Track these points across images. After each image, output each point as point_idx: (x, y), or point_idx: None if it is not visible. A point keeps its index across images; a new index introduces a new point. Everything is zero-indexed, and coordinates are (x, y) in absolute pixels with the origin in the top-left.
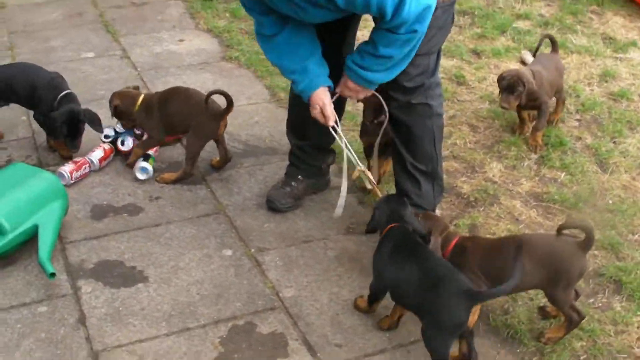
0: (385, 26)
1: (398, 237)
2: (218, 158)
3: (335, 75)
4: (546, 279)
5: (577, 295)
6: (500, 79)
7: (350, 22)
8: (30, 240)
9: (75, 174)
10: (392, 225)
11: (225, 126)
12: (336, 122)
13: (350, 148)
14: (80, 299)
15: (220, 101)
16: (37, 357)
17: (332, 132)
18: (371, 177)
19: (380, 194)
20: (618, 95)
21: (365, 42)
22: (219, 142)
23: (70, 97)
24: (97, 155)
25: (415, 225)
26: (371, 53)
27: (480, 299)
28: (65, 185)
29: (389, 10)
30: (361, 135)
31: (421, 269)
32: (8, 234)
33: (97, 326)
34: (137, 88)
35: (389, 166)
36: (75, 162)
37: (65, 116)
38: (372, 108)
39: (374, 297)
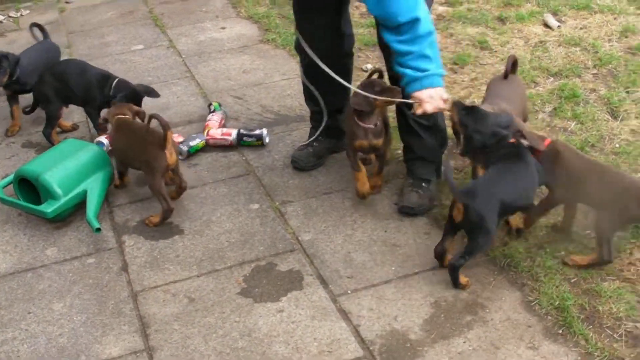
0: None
1: None
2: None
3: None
4: None
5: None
6: None
7: None
8: (81, 203)
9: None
10: None
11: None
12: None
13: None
14: (124, 251)
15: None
16: (85, 298)
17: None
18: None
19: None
20: (636, 49)
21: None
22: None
23: (121, 81)
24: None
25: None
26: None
27: None
28: None
29: None
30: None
31: None
32: (60, 198)
33: (137, 272)
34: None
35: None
36: None
37: (129, 94)
38: None
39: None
